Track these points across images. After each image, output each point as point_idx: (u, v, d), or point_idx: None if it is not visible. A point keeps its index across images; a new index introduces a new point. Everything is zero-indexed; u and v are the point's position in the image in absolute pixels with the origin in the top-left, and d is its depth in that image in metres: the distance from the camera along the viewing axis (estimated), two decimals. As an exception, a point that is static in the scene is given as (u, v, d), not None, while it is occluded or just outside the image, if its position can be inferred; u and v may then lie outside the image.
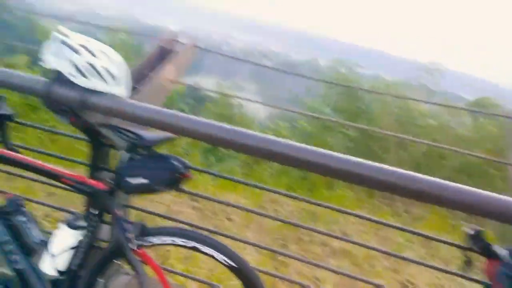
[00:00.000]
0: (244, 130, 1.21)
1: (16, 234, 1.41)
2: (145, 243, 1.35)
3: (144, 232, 1.35)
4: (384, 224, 2.34)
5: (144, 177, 1.25)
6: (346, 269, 2.97)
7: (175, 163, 1.25)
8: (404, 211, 4.39)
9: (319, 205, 2.17)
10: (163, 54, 1.95)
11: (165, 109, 1.22)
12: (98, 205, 1.36)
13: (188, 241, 1.33)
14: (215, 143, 1.22)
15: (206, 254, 1.34)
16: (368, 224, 3.69)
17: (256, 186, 2.17)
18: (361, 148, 5.51)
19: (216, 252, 1.33)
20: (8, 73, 1.27)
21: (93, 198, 1.36)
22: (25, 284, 1.41)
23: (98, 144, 1.64)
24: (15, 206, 1.42)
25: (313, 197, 4.29)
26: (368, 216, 2.43)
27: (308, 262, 2.31)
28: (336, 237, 2.71)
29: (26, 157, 1.38)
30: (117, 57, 1.29)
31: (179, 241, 1.34)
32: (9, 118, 1.56)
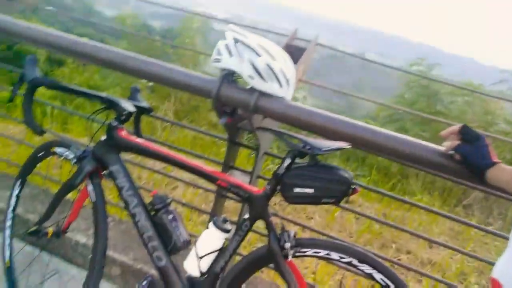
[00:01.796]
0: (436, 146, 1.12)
1: (161, 231, 1.39)
2: (297, 254, 1.29)
3: (298, 242, 1.29)
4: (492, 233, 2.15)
5: (312, 188, 1.18)
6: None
7: (346, 175, 1.17)
8: (487, 222, 4.15)
9: (424, 208, 2.03)
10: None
11: (345, 118, 1.15)
12: (252, 211, 1.31)
13: (345, 256, 1.26)
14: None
15: (362, 271, 1.26)
16: (454, 234, 3.51)
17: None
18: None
19: (375, 271, 1.25)
20: (180, 72, 1.23)
21: (248, 203, 1.31)
22: (166, 282, 1.40)
23: (234, 144, 1.59)
24: (162, 203, 1.40)
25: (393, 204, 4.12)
26: (463, 220, 2.26)
27: (403, 266, 2.16)
28: (444, 245, 2.53)
29: (183, 157, 1.35)
30: (288, 59, 1.22)
31: (335, 255, 1.26)
32: (148, 111, 1.54)
